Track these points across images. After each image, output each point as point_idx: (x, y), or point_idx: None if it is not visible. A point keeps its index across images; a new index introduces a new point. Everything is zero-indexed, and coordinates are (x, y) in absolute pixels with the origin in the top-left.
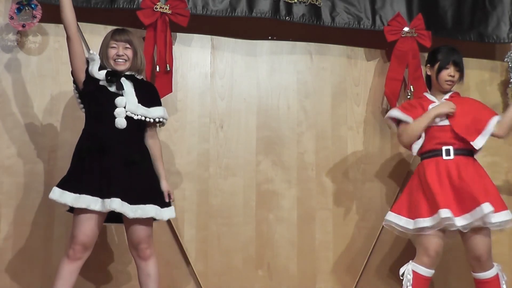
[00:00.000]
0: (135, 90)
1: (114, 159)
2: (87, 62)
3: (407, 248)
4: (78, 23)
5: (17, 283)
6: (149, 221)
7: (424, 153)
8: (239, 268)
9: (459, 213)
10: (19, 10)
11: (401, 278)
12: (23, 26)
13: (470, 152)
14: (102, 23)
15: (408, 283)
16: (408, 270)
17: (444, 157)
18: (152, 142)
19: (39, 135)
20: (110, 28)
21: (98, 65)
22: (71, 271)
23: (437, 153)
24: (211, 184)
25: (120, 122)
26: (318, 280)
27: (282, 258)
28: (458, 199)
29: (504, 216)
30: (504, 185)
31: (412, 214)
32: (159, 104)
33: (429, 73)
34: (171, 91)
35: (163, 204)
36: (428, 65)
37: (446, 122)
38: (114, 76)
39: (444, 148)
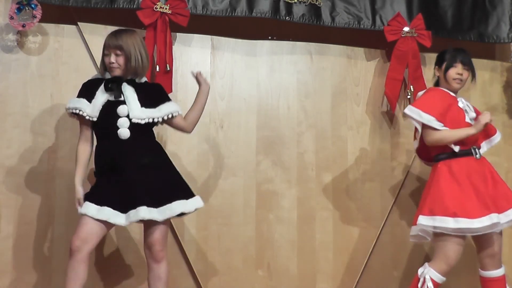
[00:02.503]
0: (138, 94)
1: (127, 171)
2: (85, 119)
3: (407, 248)
4: (78, 23)
5: (17, 283)
6: (166, 221)
7: (455, 151)
8: (239, 268)
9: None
10: (19, 10)
11: (419, 277)
12: (23, 26)
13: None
14: (102, 23)
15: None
16: (427, 276)
17: (475, 156)
18: (186, 123)
19: (39, 135)
20: (110, 28)
21: (86, 102)
22: (74, 266)
23: (469, 152)
24: (211, 184)
25: (123, 133)
26: (318, 280)
27: (282, 258)
28: (493, 199)
29: None
30: None
31: (449, 212)
32: (167, 99)
33: (437, 74)
34: (171, 91)
35: (188, 195)
36: (436, 66)
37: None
38: (114, 83)
39: (472, 147)
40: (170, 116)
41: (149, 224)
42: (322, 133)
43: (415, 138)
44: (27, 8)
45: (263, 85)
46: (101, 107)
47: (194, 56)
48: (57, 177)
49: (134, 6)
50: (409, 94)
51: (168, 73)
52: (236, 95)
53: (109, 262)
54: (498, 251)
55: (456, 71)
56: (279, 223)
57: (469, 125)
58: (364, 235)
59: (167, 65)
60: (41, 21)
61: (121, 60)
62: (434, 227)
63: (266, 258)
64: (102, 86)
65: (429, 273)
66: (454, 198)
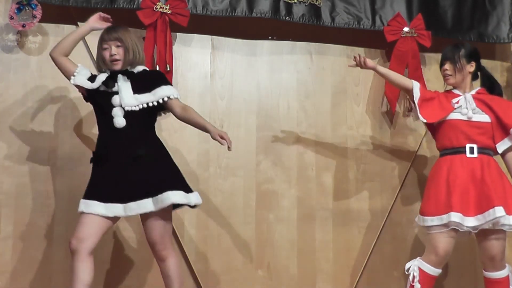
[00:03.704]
0: (132, 83)
1: (122, 162)
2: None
3: (407, 248)
4: (78, 23)
5: (17, 283)
6: (164, 217)
7: (447, 149)
8: (239, 268)
9: (473, 214)
10: (19, 10)
11: (406, 273)
12: (23, 26)
13: (491, 151)
14: None
15: (415, 279)
16: (414, 266)
17: (468, 155)
18: (183, 112)
19: (39, 135)
20: None
21: (87, 76)
22: (75, 266)
23: (461, 150)
24: (211, 184)
25: (118, 122)
26: (318, 280)
27: (282, 258)
28: (476, 199)
29: None
30: None
31: (421, 211)
32: (164, 83)
33: None
34: None
35: (186, 189)
36: None
37: (477, 118)
38: (112, 78)
39: (468, 145)
40: (166, 99)
41: (146, 219)
42: (322, 133)
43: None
44: (27, 8)
45: (263, 85)
46: (90, 87)
47: (194, 56)
48: (57, 177)
49: (134, 6)
50: None
51: (168, 73)
52: (236, 95)
53: (110, 262)
54: (498, 253)
55: (442, 70)
56: (279, 223)
57: (471, 122)
58: (364, 235)
59: (167, 65)
60: (41, 21)
61: (121, 51)
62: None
63: (266, 258)
64: (102, 75)
65: (418, 264)
66: (428, 198)
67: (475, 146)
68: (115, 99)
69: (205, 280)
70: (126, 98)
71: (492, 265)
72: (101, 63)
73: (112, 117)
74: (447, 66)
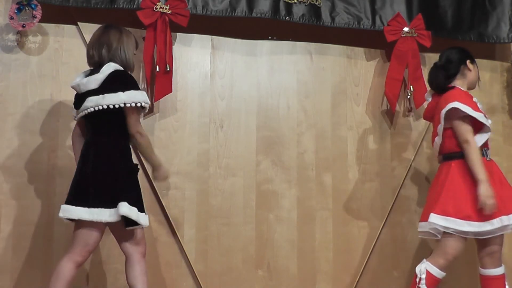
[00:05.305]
0: None
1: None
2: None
3: (407, 248)
4: (78, 23)
5: (17, 283)
6: None
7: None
8: (239, 268)
9: None
10: (19, 10)
11: (417, 276)
12: (23, 26)
13: None
14: (102, 23)
15: (422, 281)
16: (423, 269)
17: (486, 158)
18: None
19: (39, 135)
20: None
21: None
22: (74, 275)
23: (484, 153)
24: (211, 184)
25: None
26: (318, 280)
27: (282, 258)
28: (502, 201)
29: None
30: None
31: (463, 214)
32: None
33: (470, 69)
34: (171, 91)
35: None
36: (469, 61)
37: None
38: None
39: (484, 149)
40: None
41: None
42: (322, 133)
43: (436, 134)
44: (27, 8)
45: (263, 85)
46: None
47: (194, 56)
48: (57, 177)
49: (134, 6)
50: (409, 94)
51: (168, 73)
52: (236, 95)
53: (109, 262)
54: (498, 249)
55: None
56: (279, 223)
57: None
58: (364, 235)
59: (167, 65)
60: (41, 21)
61: None
62: (446, 228)
63: (266, 258)
64: None
65: (426, 266)
66: (468, 200)
67: (486, 150)
68: None
69: (205, 280)
70: None
71: (491, 261)
72: (132, 66)
73: None
74: None
